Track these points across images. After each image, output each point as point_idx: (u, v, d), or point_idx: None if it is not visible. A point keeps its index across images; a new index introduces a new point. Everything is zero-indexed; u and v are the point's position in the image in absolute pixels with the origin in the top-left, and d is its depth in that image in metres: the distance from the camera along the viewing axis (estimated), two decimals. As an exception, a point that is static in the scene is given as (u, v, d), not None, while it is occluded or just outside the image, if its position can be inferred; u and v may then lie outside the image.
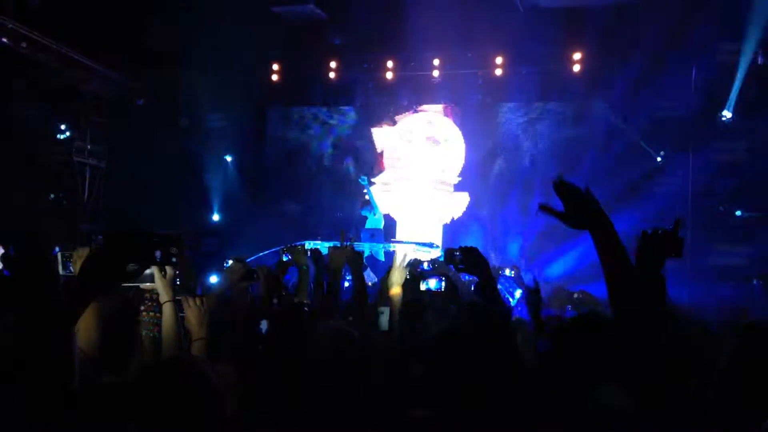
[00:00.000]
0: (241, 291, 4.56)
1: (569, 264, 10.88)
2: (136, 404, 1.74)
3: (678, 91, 11.06)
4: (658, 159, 11.81)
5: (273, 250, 12.09)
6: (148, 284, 2.75)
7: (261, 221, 12.99)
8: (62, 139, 12.06)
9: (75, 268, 2.66)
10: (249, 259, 9.55)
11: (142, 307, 2.89)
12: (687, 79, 10.94)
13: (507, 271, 7.48)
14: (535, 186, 12.19)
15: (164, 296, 2.75)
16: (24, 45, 10.60)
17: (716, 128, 10.70)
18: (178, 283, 2.84)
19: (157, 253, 1.84)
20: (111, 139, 13.01)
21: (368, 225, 11.84)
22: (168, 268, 2.74)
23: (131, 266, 1.66)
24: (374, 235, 11.72)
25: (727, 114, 10.66)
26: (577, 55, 11.83)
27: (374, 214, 11.80)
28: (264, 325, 2.83)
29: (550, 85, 12.23)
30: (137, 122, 12.94)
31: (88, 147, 12.55)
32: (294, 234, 13.13)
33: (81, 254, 2.66)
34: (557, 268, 11.27)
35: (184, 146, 13.22)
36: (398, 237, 12.60)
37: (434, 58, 12.56)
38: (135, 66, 12.53)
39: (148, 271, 2.73)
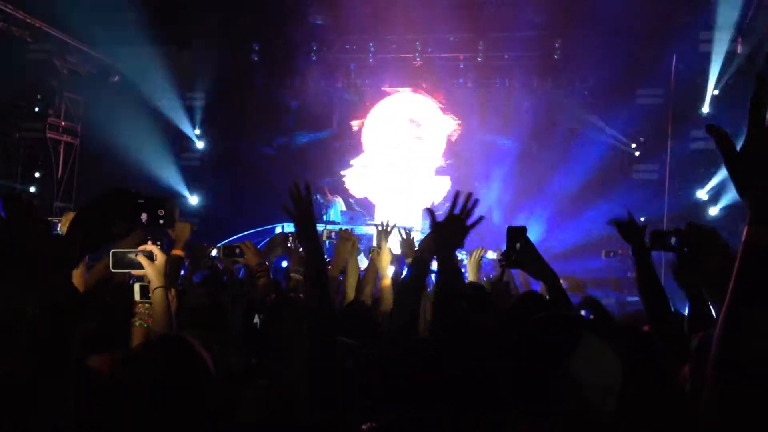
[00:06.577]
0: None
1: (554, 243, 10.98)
2: (125, 381, 1.67)
3: (658, 80, 11.12)
4: (633, 146, 11.94)
5: (250, 231, 12.02)
6: (139, 271, 2.69)
7: (237, 203, 12.89)
8: (36, 116, 11.79)
9: (63, 230, 2.57)
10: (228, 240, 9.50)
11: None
12: (668, 67, 10.98)
13: (489, 254, 7.32)
14: (516, 170, 12.27)
15: (155, 282, 2.68)
16: (-3, 18, 10.32)
17: (696, 117, 10.75)
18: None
19: (143, 215, 1.74)
20: (86, 116, 12.77)
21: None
22: (159, 255, 2.68)
23: (117, 227, 1.55)
24: (353, 218, 11.69)
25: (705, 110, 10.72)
26: (557, 41, 11.82)
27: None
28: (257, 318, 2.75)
29: (531, 70, 12.23)
30: (112, 100, 12.68)
31: (63, 124, 12.31)
32: (270, 216, 13.07)
33: (69, 217, 2.57)
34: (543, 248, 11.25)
35: (160, 125, 13.02)
36: (377, 220, 12.56)
37: (416, 41, 12.46)
38: (111, 42, 12.25)
39: (132, 257, 2.69)
